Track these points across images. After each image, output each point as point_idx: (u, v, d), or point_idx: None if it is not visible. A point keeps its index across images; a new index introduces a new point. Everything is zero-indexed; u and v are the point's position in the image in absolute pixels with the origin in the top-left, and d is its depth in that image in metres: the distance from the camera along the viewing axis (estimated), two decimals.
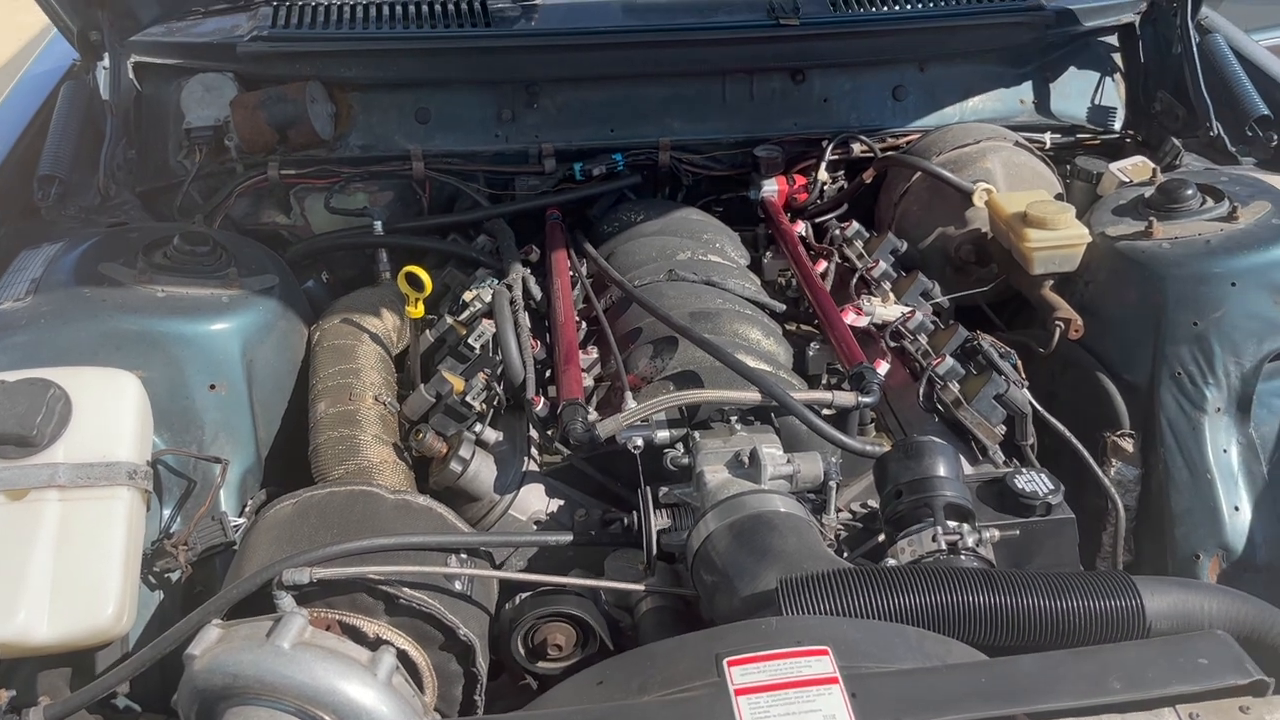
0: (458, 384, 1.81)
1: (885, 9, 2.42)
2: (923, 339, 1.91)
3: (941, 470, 1.54)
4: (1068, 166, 2.42)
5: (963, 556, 1.43)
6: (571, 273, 2.12)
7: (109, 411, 1.61)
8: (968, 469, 1.80)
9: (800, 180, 2.41)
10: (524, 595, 1.57)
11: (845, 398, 1.70)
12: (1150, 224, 1.97)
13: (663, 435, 1.66)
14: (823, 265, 2.19)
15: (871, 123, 2.47)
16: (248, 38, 2.33)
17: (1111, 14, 2.57)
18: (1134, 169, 2.24)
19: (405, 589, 1.46)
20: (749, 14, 2.36)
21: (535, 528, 1.74)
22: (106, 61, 2.32)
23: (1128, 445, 1.95)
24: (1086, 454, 1.85)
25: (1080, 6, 2.54)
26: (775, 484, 1.54)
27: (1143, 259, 1.95)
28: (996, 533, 1.47)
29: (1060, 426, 1.85)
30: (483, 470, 1.74)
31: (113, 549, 1.52)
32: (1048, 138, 2.48)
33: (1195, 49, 2.37)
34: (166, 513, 1.73)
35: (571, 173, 2.38)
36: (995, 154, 2.29)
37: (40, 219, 2.10)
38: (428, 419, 1.80)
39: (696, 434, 1.63)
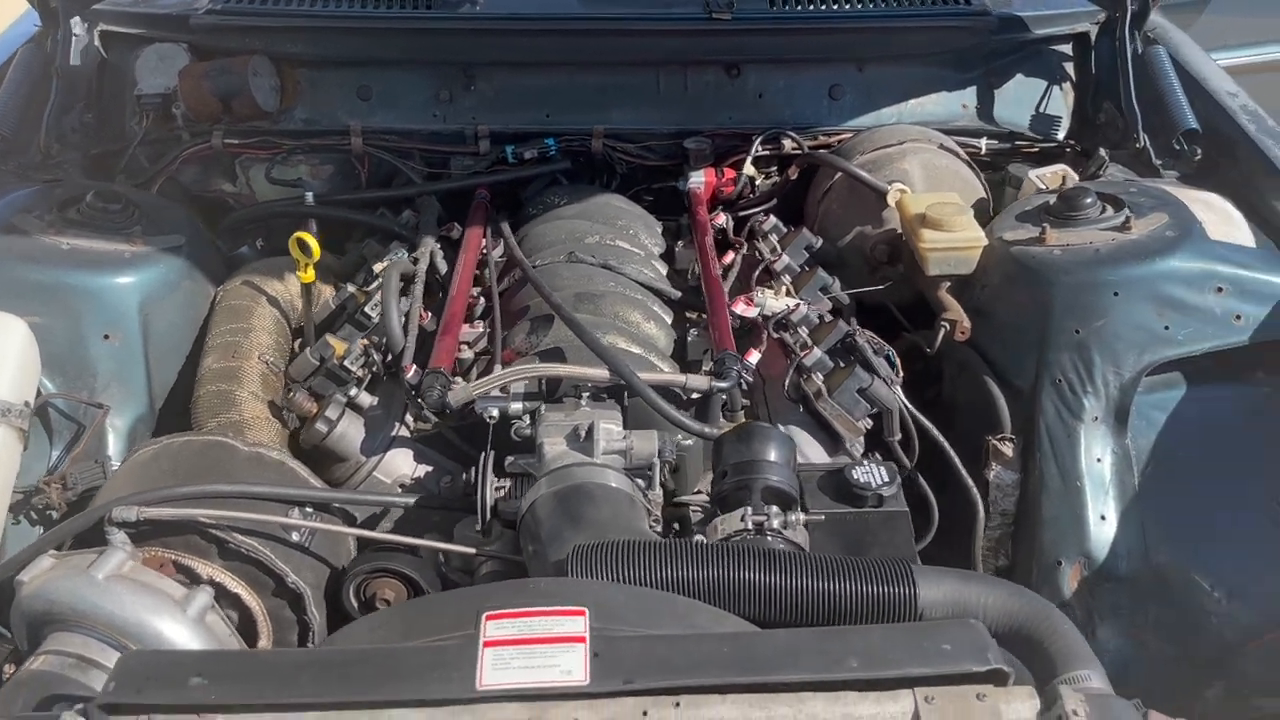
0: (339, 348, 1.88)
1: (823, 7, 2.44)
2: (803, 332, 1.93)
3: (771, 455, 1.57)
4: (1004, 173, 2.43)
5: (768, 537, 1.46)
6: (484, 251, 2.17)
7: None
8: (821, 459, 1.82)
9: (729, 174, 2.44)
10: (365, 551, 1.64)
11: (698, 381, 1.73)
12: (1043, 230, 1.97)
13: (516, 407, 1.70)
14: (730, 257, 2.21)
15: (806, 120, 2.48)
16: (203, 11, 2.43)
17: (1065, 23, 2.55)
18: (1052, 177, 2.23)
19: (237, 535, 1.53)
20: (685, 6, 2.40)
21: (400, 490, 1.81)
22: (71, 28, 2.43)
23: (1007, 449, 1.95)
24: (953, 454, 1.86)
25: (1032, 14, 2.54)
26: (609, 459, 1.58)
27: (1032, 264, 1.95)
28: (803, 516, 1.49)
29: (928, 425, 1.86)
30: (350, 431, 1.80)
31: (7, 469, 1.61)
32: (983, 143, 2.47)
33: (1130, 59, 2.35)
34: (55, 454, 1.82)
35: (504, 155, 2.44)
36: (915, 155, 2.29)
37: None
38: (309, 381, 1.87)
39: (543, 407, 1.68)
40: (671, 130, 2.48)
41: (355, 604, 1.61)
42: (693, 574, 1.29)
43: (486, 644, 1.19)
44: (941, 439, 1.86)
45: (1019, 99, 2.56)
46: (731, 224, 2.36)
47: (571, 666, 1.16)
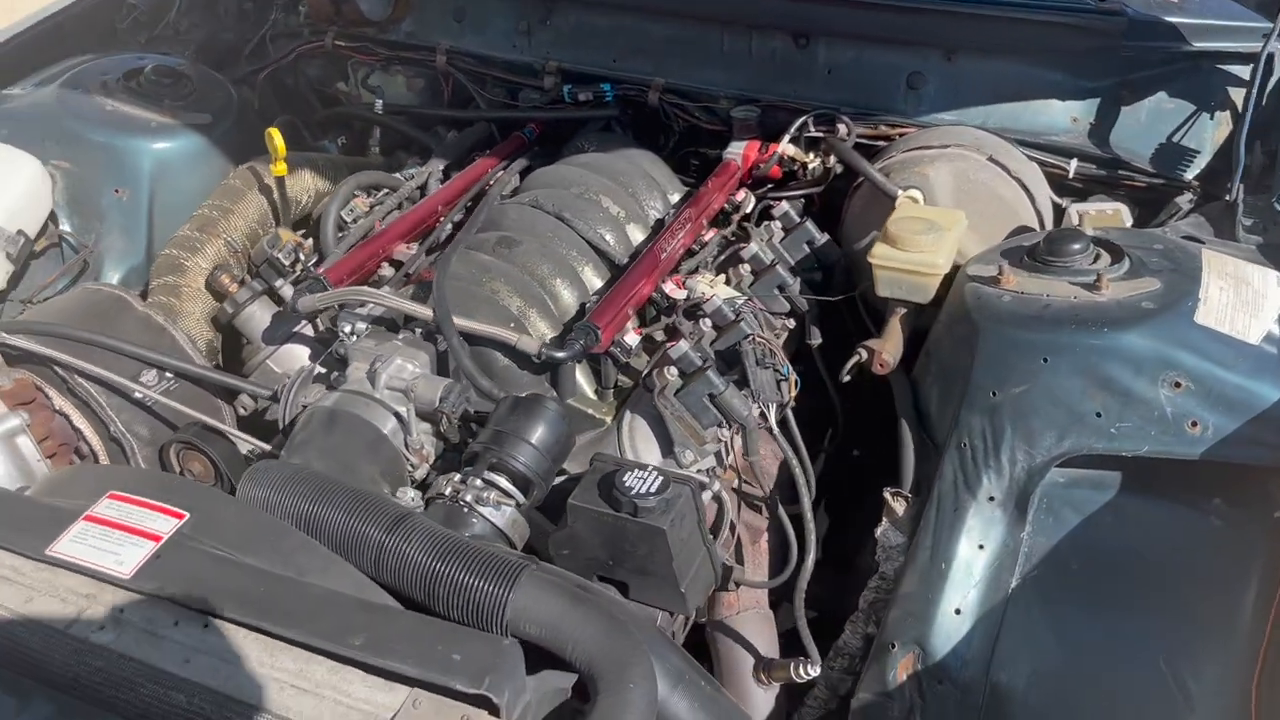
0: (285, 239, 2.01)
1: None
2: (705, 325, 1.79)
3: (529, 433, 1.51)
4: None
5: (462, 508, 1.41)
6: (489, 184, 2.21)
7: (3, 184, 2.01)
8: (650, 458, 1.70)
9: (773, 150, 2.26)
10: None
11: (528, 344, 1.67)
12: (1001, 269, 1.66)
13: (360, 327, 1.75)
14: (711, 234, 2.08)
15: (875, 106, 2.23)
16: None
17: (1238, 38, 2.08)
18: (1096, 215, 1.86)
19: (79, 378, 1.72)
20: None
21: (287, 380, 1.92)
22: None
23: (899, 507, 1.70)
24: (804, 486, 1.67)
25: (1194, 22, 2.09)
26: (388, 394, 1.59)
27: (971, 305, 1.66)
28: (493, 492, 1.42)
29: (789, 450, 1.68)
30: (255, 318, 1.94)
31: None
32: (1073, 166, 2.09)
33: (1263, 93, 1.88)
34: (61, 285, 2.13)
35: (562, 94, 2.43)
36: (950, 163, 2.00)
37: (117, 40, 2.58)
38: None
39: (363, 334, 1.71)
40: (731, 94, 2.33)
41: (175, 467, 1.76)
42: (313, 511, 1.30)
43: (87, 517, 1.28)
44: (798, 469, 1.67)
45: (1150, 123, 2.13)
46: (752, 204, 2.21)
47: (127, 559, 1.23)
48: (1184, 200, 1.92)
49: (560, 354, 1.67)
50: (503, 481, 1.45)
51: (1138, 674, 1.45)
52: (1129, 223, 1.88)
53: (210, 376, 1.82)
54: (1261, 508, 1.46)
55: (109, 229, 2.13)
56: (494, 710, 1.08)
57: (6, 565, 1.24)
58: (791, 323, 1.96)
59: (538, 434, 1.50)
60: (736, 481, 1.84)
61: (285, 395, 1.65)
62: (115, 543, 1.24)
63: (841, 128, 2.20)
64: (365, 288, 1.76)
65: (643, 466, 1.52)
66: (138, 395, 1.74)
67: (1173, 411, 1.49)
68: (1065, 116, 2.17)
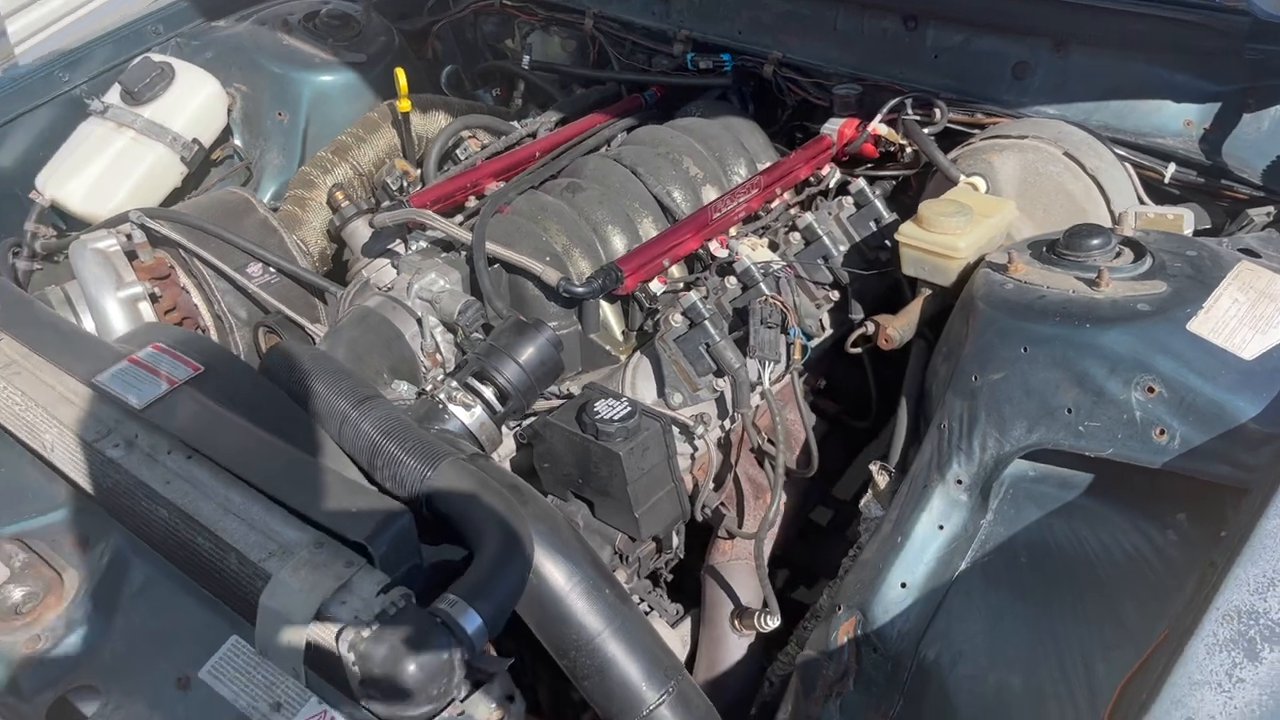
0: (400, 168, 2.26)
1: None
2: (731, 282, 1.88)
3: (519, 352, 1.67)
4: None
5: (438, 404, 1.59)
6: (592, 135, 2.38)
7: (186, 98, 2.39)
8: (645, 397, 1.81)
9: (874, 131, 2.28)
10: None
11: (550, 274, 1.82)
12: (1010, 257, 1.64)
13: (422, 245, 1.96)
14: (777, 202, 2.14)
15: (978, 94, 2.20)
16: None
17: None
18: (1156, 218, 1.77)
19: (199, 262, 2.04)
20: None
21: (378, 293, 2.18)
22: None
23: (881, 481, 1.74)
24: (781, 449, 1.72)
25: None
26: (417, 303, 1.80)
27: (976, 289, 1.65)
28: (467, 394, 1.58)
29: (775, 409, 1.74)
30: (357, 232, 2.20)
31: (129, 179, 2.32)
32: (1169, 170, 1.99)
33: None
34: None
35: (686, 62, 2.55)
36: (1021, 154, 1.95)
37: None
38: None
39: (417, 251, 1.92)
40: (842, 72, 2.37)
41: (261, 345, 2.05)
42: (306, 386, 1.51)
43: (130, 359, 1.56)
44: (779, 427, 1.73)
45: (1272, 133, 1.98)
46: (835, 179, 2.25)
47: (145, 395, 1.49)
48: (1260, 213, 1.79)
49: (579, 289, 1.81)
50: (482, 388, 1.62)
51: (1054, 675, 1.43)
52: (1190, 229, 1.78)
53: (302, 275, 2.11)
54: (1218, 526, 1.39)
55: (270, 146, 2.48)
56: (370, 560, 1.25)
57: (69, 389, 1.55)
58: (835, 295, 2.00)
59: (526, 354, 1.66)
60: (758, 440, 1.93)
61: (344, 296, 1.89)
62: (141, 381, 1.51)
63: (936, 111, 2.19)
64: (426, 210, 1.98)
65: (618, 397, 1.64)
66: (241, 283, 2.05)
67: (1142, 416, 1.44)
68: (1178, 119, 2.06)
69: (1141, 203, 1.99)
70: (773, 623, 1.74)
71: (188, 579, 1.35)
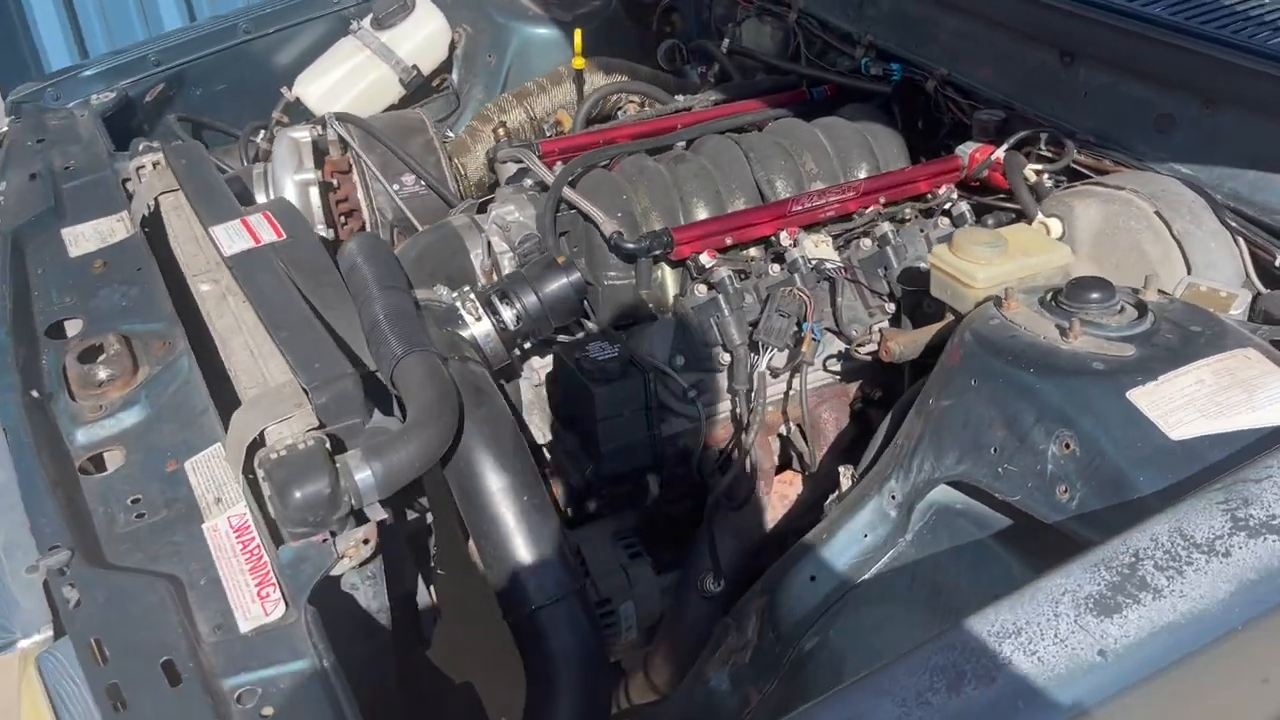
0: (558, 118, 2.53)
1: (1179, 13, 1.98)
2: (775, 269, 1.97)
3: (545, 287, 1.87)
4: None
5: (455, 310, 1.84)
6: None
7: (415, 29, 2.78)
8: (658, 354, 1.94)
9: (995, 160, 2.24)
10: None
11: (608, 227, 1.99)
12: (1008, 294, 1.62)
13: (526, 183, 2.21)
14: (871, 209, 2.18)
15: (1116, 139, 2.09)
16: None
17: None
18: (1208, 293, 1.66)
19: (366, 163, 2.42)
20: None
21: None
22: None
23: (844, 484, 1.79)
24: (755, 426, 1.81)
25: None
26: (491, 227, 2.05)
27: (967, 320, 1.65)
28: (479, 306, 1.82)
29: (759, 392, 1.83)
30: (507, 167, 2.48)
31: (354, 90, 2.75)
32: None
33: None
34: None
35: (860, 66, 2.60)
36: (1106, 204, 1.87)
37: None
38: None
39: (519, 185, 2.16)
40: (997, 99, 2.33)
41: (395, 242, 2.39)
42: (357, 267, 1.81)
43: (241, 219, 1.94)
44: (759, 410, 1.82)
45: None
46: (953, 200, 2.24)
47: (235, 246, 1.86)
48: None
49: (628, 245, 1.98)
50: (501, 307, 1.84)
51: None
52: (1238, 310, 1.65)
53: (441, 191, 2.43)
54: None
55: (476, 84, 2.83)
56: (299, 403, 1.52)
57: (197, 231, 1.95)
58: (891, 306, 2.03)
59: (548, 288, 1.86)
60: (785, 426, 2.02)
61: (452, 216, 2.18)
62: (239, 237, 1.88)
63: (1065, 149, 2.13)
64: (526, 150, 2.21)
65: (614, 343, 1.81)
66: (394, 189, 2.41)
67: (1052, 470, 1.41)
68: None
69: (1251, 279, 1.85)
70: (714, 587, 1.85)
71: (210, 393, 1.69)
